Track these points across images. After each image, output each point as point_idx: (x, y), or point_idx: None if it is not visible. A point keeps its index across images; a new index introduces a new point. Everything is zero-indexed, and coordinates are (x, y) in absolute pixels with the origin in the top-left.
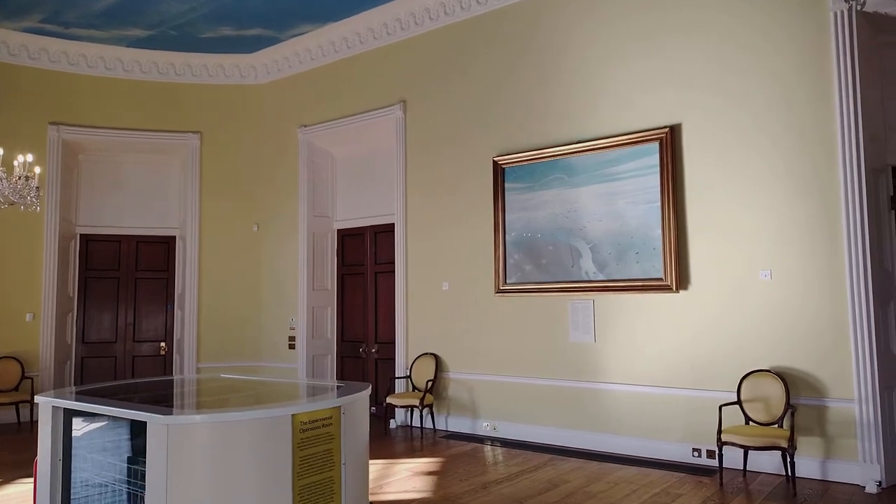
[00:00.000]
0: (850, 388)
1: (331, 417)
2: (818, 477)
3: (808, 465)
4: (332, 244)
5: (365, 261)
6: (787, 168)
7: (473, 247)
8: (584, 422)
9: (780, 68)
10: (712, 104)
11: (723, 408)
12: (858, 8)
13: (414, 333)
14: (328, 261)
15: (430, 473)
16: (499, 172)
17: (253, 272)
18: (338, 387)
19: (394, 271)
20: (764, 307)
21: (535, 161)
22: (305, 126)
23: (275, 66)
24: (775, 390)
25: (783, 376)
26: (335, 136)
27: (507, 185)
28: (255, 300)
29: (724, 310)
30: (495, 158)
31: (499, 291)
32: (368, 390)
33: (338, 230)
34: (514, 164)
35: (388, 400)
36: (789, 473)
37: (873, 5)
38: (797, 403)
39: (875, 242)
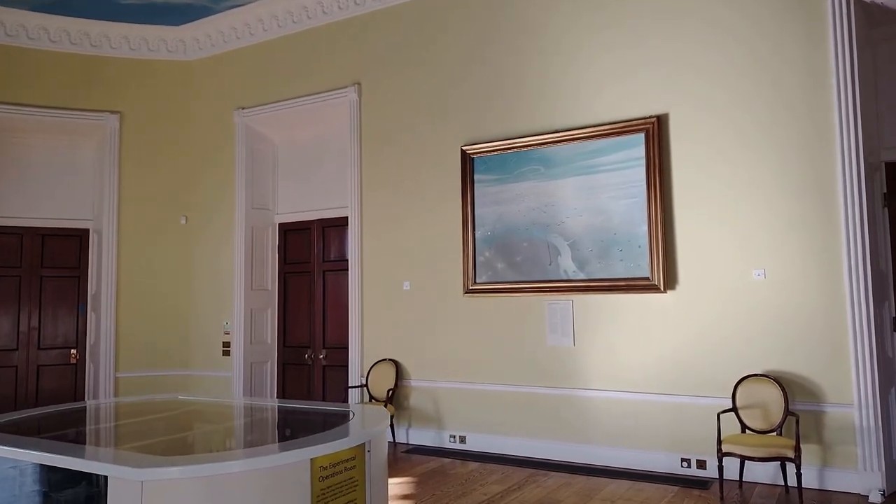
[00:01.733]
0: (849, 393)
1: (354, 458)
2: (815, 486)
3: (804, 474)
4: (273, 239)
5: (311, 258)
6: (782, 162)
7: (439, 243)
8: (564, 432)
9: (775, 59)
10: (702, 94)
11: (720, 416)
12: None
13: (370, 338)
14: (269, 258)
15: (402, 498)
16: (467, 162)
17: (180, 270)
18: (349, 412)
19: (346, 269)
20: (757, 308)
21: (507, 151)
22: (243, 108)
23: (207, 40)
24: (773, 396)
25: (780, 381)
26: (278, 121)
27: (476, 176)
28: (183, 301)
29: (714, 311)
30: (463, 147)
31: (468, 291)
32: (388, 418)
33: (280, 224)
34: (485, 154)
35: None
36: (788, 483)
37: None
38: (795, 409)
39: (872, 241)
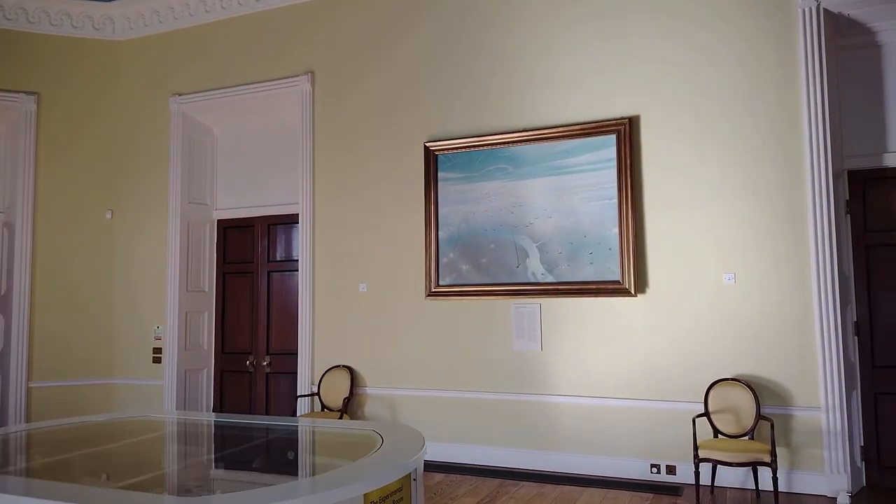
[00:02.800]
0: (816, 396)
1: (401, 490)
2: (784, 489)
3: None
4: (210, 237)
5: (254, 257)
6: (752, 166)
7: (399, 243)
8: (531, 440)
9: (747, 62)
10: (674, 96)
11: (695, 420)
12: (824, 6)
13: (322, 343)
14: (206, 257)
15: None
16: (431, 160)
17: (105, 268)
18: (373, 434)
19: (295, 270)
20: (727, 312)
21: (474, 148)
22: (180, 95)
23: (140, 19)
24: (745, 400)
25: (751, 385)
26: (219, 109)
27: (440, 174)
28: (108, 303)
29: (684, 315)
30: (427, 144)
31: (430, 294)
32: (424, 441)
33: (219, 221)
34: (450, 151)
35: None
36: (760, 487)
37: (837, 5)
38: (765, 413)
39: (839, 247)
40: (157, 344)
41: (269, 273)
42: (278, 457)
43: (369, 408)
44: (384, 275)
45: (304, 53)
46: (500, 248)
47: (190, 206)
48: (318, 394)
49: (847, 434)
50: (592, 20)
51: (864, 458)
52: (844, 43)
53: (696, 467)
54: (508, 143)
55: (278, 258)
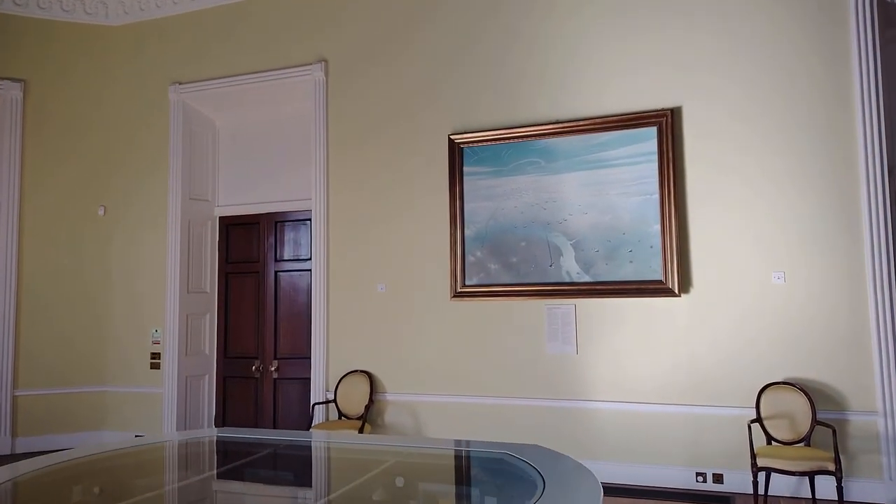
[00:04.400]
0: (872, 400)
1: None
2: (836, 497)
3: (826, 485)
4: (212, 235)
5: (260, 256)
6: (801, 160)
7: (421, 241)
8: (566, 448)
9: (793, 53)
10: (716, 88)
11: (750, 426)
12: None
13: (338, 347)
14: (207, 256)
15: None
16: (456, 153)
17: (98, 268)
18: (525, 461)
19: (306, 270)
20: (777, 312)
21: (502, 141)
22: (180, 84)
23: (135, 3)
24: (799, 405)
25: (805, 389)
26: (223, 99)
27: (466, 168)
28: (102, 305)
29: (730, 315)
30: (452, 136)
31: (456, 295)
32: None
33: (220, 218)
34: (476, 144)
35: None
36: (816, 496)
37: None
38: (822, 419)
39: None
40: (156, 349)
41: (276, 273)
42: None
43: (390, 415)
44: (405, 274)
45: (316, 40)
46: (532, 246)
47: (190, 202)
48: (334, 401)
49: None
50: (628, 11)
51: None
52: (892, 34)
53: (755, 476)
54: (541, 135)
55: (286, 257)
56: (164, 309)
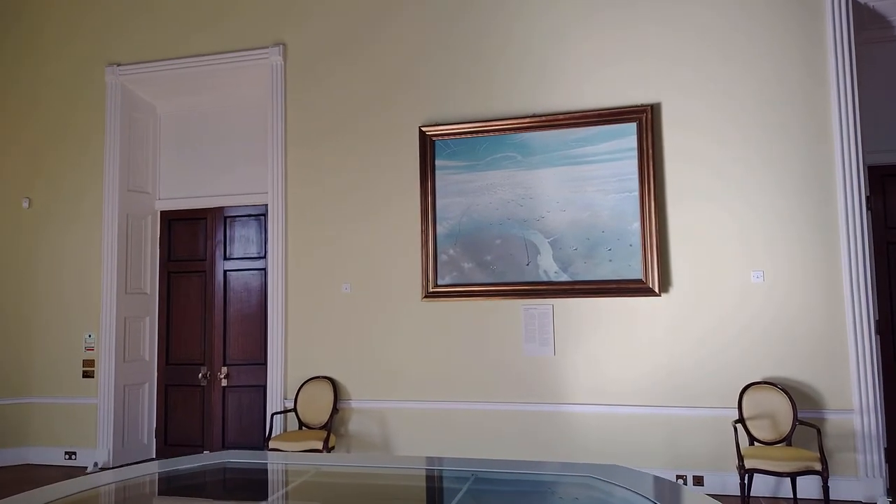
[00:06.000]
0: (848, 398)
1: None
2: (818, 496)
3: (806, 485)
4: (153, 231)
5: (207, 254)
6: (780, 159)
7: (390, 239)
8: (543, 452)
9: (773, 52)
10: (696, 85)
11: (735, 427)
12: None
13: (297, 352)
14: (147, 254)
15: None
16: (428, 146)
17: (22, 266)
18: (632, 492)
19: (258, 269)
20: (756, 311)
21: (477, 134)
22: (119, 65)
23: None
24: (781, 405)
25: (786, 389)
26: (167, 83)
27: (438, 161)
28: (27, 307)
29: (710, 315)
30: (423, 128)
31: (427, 295)
32: None
33: (162, 212)
34: (449, 137)
35: (275, 445)
36: (798, 496)
37: None
38: (802, 418)
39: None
40: (89, 355)
41: (225, 272)
42: None
43: (355, 424)
44: (372, 274)
45: (273, 22)
46: (508, 244)
47: (129, 194)
48: (294, 410)
49: (882, 437)
50: (608, 5)
51: (888, 460)
52: (864, 36)
53: (742, 478)
54: (517, 129)
55: (237, 255)
56: (98, 311)
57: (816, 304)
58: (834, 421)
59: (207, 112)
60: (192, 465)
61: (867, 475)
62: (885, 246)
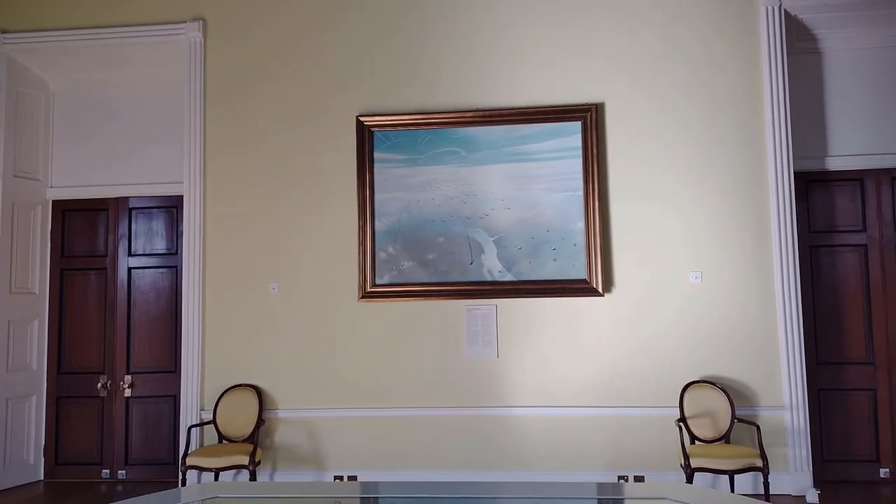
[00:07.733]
0: (779, 395)
1: None
2: (750, 491)
3: (743, 481)
4: (43, 223)
5: (108, 250)
6: (717, 160)
7: (323, 235)
8: (488, 459)
9: (712, 58)
10: (639, 86)
11: (680, 425)
12: (785, 7)
13: (216, 358)
14: (37, 248)
15: None
16: (366, 137)
17: None
18: None
19: (169, 266)
20: (695, 311)
21: (419, 127)
22: (6, 33)
23: None
24: (719, 403)
25: (724, 387)
26: (64, 57)
27: (377, 154)
28: None
29: (651, 315)
30: (360, 117)
31: (364, 295)
32: None
33: (55, 202)
34: (389, 129)
35: (193, 461)
36: (734, 493)
37: (795, 8)
38: (740, 415)
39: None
40: None
41: (129, 270)
42: None
43: (281, 434)
44: (303, 273)
45: None
46: (451, 243)
47: (15, 180)
48: (213, 421)
49: (809, 432)
50: (555, 4)
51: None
52: (795, 47)
53: (688, 477)
54: (461, 123)
55: (143, 251)
56: None
57: (750, 305)
58: (766, 417)
59: (113, 92)
60: None
61: (796, 469)
62: (809, 249)
